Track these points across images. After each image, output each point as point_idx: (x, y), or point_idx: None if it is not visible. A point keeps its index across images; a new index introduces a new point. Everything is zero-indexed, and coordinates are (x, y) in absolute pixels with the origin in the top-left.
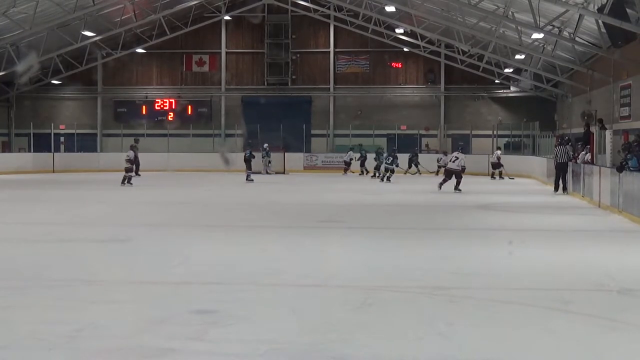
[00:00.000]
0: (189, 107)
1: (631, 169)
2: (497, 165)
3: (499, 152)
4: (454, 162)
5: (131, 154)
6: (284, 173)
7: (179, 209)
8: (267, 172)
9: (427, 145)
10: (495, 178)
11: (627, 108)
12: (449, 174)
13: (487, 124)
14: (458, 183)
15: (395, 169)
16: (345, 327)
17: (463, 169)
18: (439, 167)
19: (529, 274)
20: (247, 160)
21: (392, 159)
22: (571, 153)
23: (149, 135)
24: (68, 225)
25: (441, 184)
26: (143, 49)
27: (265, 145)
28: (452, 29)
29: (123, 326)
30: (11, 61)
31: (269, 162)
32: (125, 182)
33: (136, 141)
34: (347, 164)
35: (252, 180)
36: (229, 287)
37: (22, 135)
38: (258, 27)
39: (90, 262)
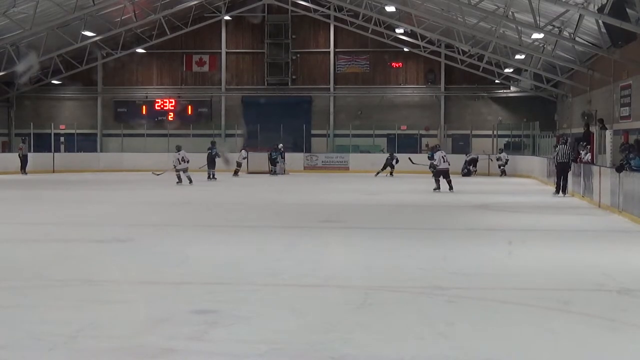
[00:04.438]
0: (189, 107)
1: (634, 168)
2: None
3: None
4: (445, 162)
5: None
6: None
7: (179, 209)
8: (283, 173)
9: (427, 145)
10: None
11: (627, 108)
12: (438, 174)
13: (487, 124)
14: (449, 182)
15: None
16: (345, 327)
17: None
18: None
19: (529, 274)
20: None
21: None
22: (572, 153)
23: (149, 135)
24: (68, 225)
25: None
26: (143, 49)
27: (280, 145)
28: (452, 29)
29: (123, 326)
30: (11, 61)
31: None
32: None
33: (213, 144)
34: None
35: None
36: (229, 287)
37: (23, 135)
38: (258, 27)
39: (90, 262)
